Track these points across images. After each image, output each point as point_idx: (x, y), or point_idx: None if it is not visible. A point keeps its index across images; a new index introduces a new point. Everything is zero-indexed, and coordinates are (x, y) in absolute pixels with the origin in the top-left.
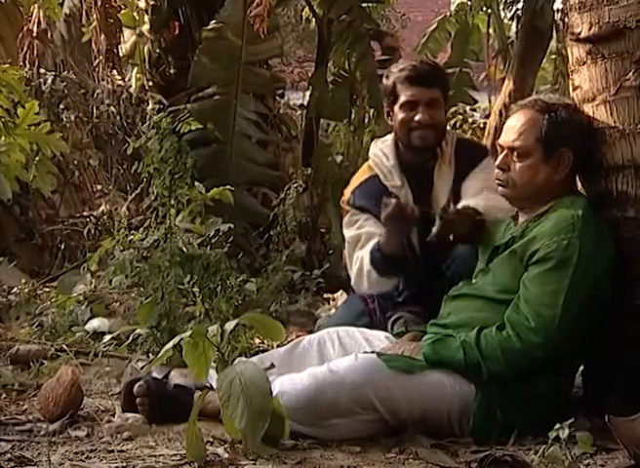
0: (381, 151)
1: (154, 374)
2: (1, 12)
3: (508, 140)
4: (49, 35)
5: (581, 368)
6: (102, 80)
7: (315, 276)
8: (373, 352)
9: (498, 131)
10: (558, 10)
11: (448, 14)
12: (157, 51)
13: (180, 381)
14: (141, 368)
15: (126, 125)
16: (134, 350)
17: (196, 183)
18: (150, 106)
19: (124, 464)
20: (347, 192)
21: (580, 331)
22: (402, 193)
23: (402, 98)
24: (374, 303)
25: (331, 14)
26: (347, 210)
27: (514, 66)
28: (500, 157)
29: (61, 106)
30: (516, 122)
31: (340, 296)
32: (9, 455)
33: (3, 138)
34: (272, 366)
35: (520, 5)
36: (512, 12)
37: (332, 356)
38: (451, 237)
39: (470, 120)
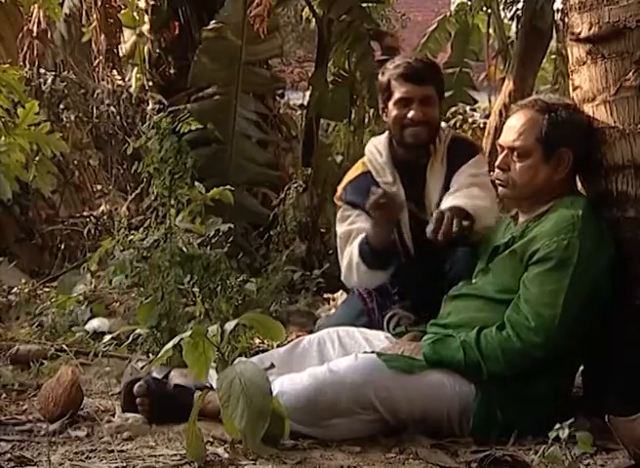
0: (375, 148)
1: (154, 374)
2: (1, 12)
3: (508, 140)
4: (49, 35)
5: (581, 368)
6: (102, 80)
7: (315, 276)
8: (373, 352)
9: (498, 131)
10: (558, 10)
11: (448, 14)
12: (157, 51)
13: (180, 381)
14: (141, 368)
15: (126, 125)
16: (134, 350)
17: (196, 183)
18: (150, 106)
19: (124, 464)
20: (340, 188)
21: (580, 331)
22: (393, 189)
23: (396, 95)
24: (372, 303)
25: (331, 14)
26: (339, 205)
27: (514, 66)
28: (500, 157)
29: (61, 106)
30: (516, 122)
31: (340, 296)
32: (9, 455)
33: (3, 138)
34: (272, 366)
35: (520, 5)
36: (512, 12)
37: (332, 356)
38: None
39: (470, 120)
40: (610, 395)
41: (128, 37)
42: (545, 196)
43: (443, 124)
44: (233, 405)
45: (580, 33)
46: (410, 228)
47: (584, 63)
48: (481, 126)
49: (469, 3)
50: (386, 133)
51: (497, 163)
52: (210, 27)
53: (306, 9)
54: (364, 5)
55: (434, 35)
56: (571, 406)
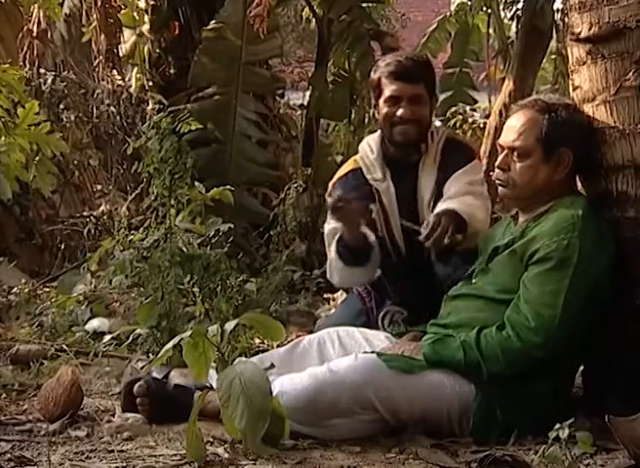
0: (368, 144)
1: (154, 374)
2: (1, 12)
3: (508, 140)
4: (49, 35)
5: (581, 368)
6: (102, 80)
7: (315, 276)
8: (373, 352)
9: (498, 131)
10: (558, 10)
11: (448, 14)
12: (157, 51)
13: (180, 381)
14: (141, 368)
15: (126, 125)
16: (134, 350)
17: (196, 183)
18: (150, 106)
19: (124, 464)
20: (330, 184)
21: (580, 331)
22: (383, 186)
23: (386, 93)
24: (371, 302)
25: (331, 14)
26: (329, 202)
27: (514, 66)
28: (500, 157)
29: (61, 106)
30: (516, 122)
31: (340, 296)
32: (9, 455)
33: (3, 138)
34: (272, 366)
35: (520, 5)
36: (512, 12)
37: (332, 356)
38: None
39: (470, 120)
40: (610, 395)
41: (128, 37)
42: (545, 196)
43: (437, 123)
44: (233, 405)
45: (580, 33)
46: (401, 227)
47: (584, 63)
48: (481, 126)
49: (469, 3)
50: (380, 130)
51: (497, 163)
52: (210, 27)
53: (306, 9)
54: (364, 5)
55: (434, 35)
56: (571, 406)
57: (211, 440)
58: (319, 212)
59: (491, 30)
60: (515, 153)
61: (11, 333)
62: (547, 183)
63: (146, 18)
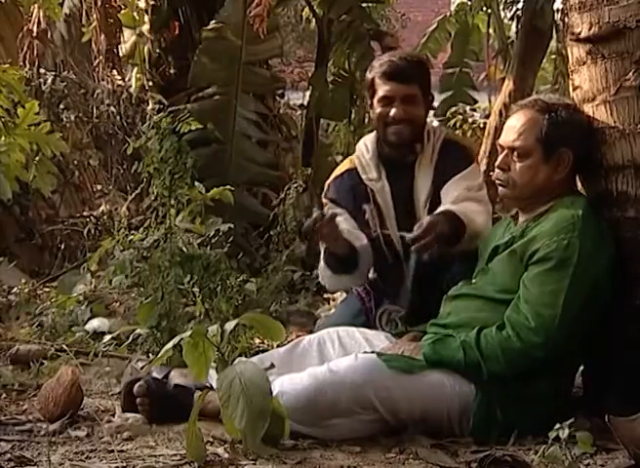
0: (364, 144)
1: (154, 374)
2: (1, 12)
3: (508, 140)
4: (49, 35)
5: (581, 368)
6: (102, 80)
7: (315, 276)
8: (373, 352)
9: (498, 131)
10: (558, 10)
11: (448, 14)
12: (157, 51)
13: (180, 381)
14: (141, 368)
15: (126, 125)
16: (134, 350)
17: (196, 183)
18: (150, 106)
19: (124, 464)
20: (326, 184)
21: (580, 331)
22: (378, 186)
23: (379, 93)
24: (370, 302)
25: (331, 14)
26: (325, 203)
27: (514, 66)
28: (500, 157)
29: (61, 106)
30: (516, 122)
31: (340, 296)
32: (9, 455)
33: (3, 138)
34: (272, 366)
35: (520, 5)
36: (512, 12)
37: (332, 356)
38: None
39: (470, 120)
40: (610, 395)
41: (128, 37)
42: (545, 196)
43: (435, 123)
44: (233, 405)
45: (580, 33)
46: (397, 229)
47: (584, 63)
48: (481, 126)
49: (469, 3)
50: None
51: (497, 163)
52: (210, 27)
53: (306, 9)
54: (364, 5)
55: (434, 35)
56: (571, 406)
57: (211, 440)
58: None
59: (491, 30)
60: (515, 153)
61: (11, 333)
62: (547, 183)
63: (146, 18)
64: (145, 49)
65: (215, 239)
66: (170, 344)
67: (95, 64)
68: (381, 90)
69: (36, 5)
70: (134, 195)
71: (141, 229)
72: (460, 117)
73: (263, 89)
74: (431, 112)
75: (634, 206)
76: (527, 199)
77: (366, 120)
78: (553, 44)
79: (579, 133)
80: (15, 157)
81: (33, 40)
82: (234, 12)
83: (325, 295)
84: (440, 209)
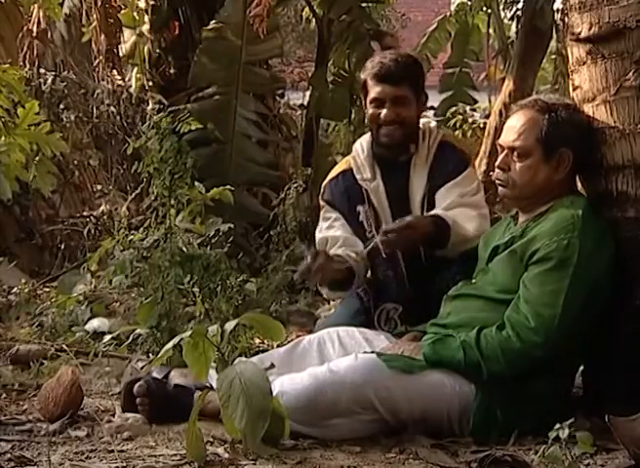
0: (360, 144)
1: (154, 374)
2: (1, 12)
3: (508, 140)
4: (49, 35)
5: (581, 368)
6: (102, 80)
7: None
8: (373, 352)
9: (498, 131)
10: (558, 10)
11: (448, 14)
12: (157, 51)
13: (180, 381)
14: (141, 368)
15: (126, 125)
16: (134, 350)
17: (196, 183)
18: (150, 106)
19: (124, 464)
20: (323, 185)
21: (579, 331)
22: (372, 186)
23: (370, 95)
24: (369, 302)
25: (331, 14)
26: (322, 205)
27: (514, 66)
28: (500, 157)
29: (61, 106)
30: (516, 122)
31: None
32: (9, 455)
33: (3, 138)
34: (272, 366)
35: (520, 5)
36: (512, 12)
37: (332, 356)
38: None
39: (470, 120)
40: (610, 395)
41: (128, 37)
42: (545, 196)
43: (433, 124)
44: (233, 405)
45: (580, 33)
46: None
47: (584, 63)
48: (481, 126)
49: (469, 3)
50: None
51: (497, 163)
52: (210, 27)
53: (306, 9)
54: (364, 5)
55: (434, 35)
56: (571, 406)
57: (211, 440)
58: (319, 212)
59: (491, 30)
60: (515, 153)
61: (11, 333)
62: (547, 183)
63: (146, 18)
64: (145, 49)
65: (215, 239)
66: (170, 344)
67: (95, 64)
68: (372, 91)
69: (36, 5)
70: (134, 195)
71: (141, 229)
72: (460, 117)
73: (263, 89)
74: (431, 112)
75: (634, 206)
76: (527, 199)
77: (366, 120)
78: (553, 44)
79: (578, 133)
80: (15, 157)
81: (33, 40)
82: (234, 12)
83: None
84: (430, 212)
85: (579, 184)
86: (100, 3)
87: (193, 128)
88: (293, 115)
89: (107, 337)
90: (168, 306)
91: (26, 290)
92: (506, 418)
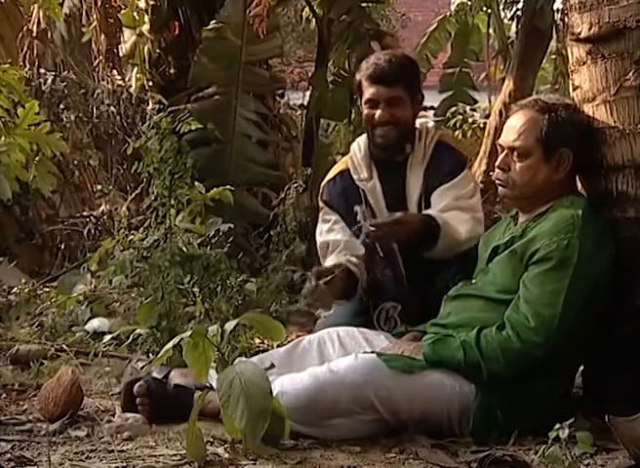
0: (357, 144)
1: (154, 374)
2: (1, 12)
3: (508, 140)
4: (49, 35)
5: (581, 368)
6: (102, 80)
7: None
8: (373, 352)
9: (498, 131)
10: (558, 10)
11: (448, 14)
12: (157, 51)
13: (180, 381)
14: (141, 368)
15: (126, 125)
16: (134, 350)
17: (196, 183)
18: (150, 106)
19: (124, 464)
20: (321, 186)
21: (580, 331)
22: (369, 186)
23: (365, 96)
24: (368, 301)
25: (331, 14)
26: (321, 207)
27: (514, 66)
28: (500, 157)
29: (61, 106)
30: (516, 122)
31: None
32: (9, 455)
33: (3, 138)
34: (272, 366)
35: (520, 5)
36: (512, 12)
37: (332, 356)
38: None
39: (470, 120)
40: (610, 395)
41: (128, 37)
42: (545, 196)
43: (430, 124)
44: (233, 405)
45: (580, 33)
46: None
47: (584, 63)
48: (481, 126)
49: (469, 3)
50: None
51: (497, 163)
52: (210, 27)
53: (306, 9)
54: (364, 5)
55: (434, 35)
56: (571, 406)
57: (211, 440)
58: (319, 212)
59: (491, 30)
60: (515, 153)
61: (11, 333)
62: (547, 183)
63: (146, 18)
64: (145, 49)
65: (215, 239)
66: (170, 344)
67: (95, 64)
68: (367, 92)
69: (36, 5)
70: (134, 195)
71: (141, 229)
72: (460, 117)
73: (263, 89)
74: (431, 112)
75: (634, 206)
76: (527, 199)
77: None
78: (553, 44)
79: (578, 133)
80: (15, 157)
81: (33, 40)
82: (234, 12)
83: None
84: (423, 212)
85: (579, 184)
86: (99, 3)
87: (193, 128)
88: (293, 115)
89: (107, 337)
90: (168, 306)
91: (26, 290)
92: (506, 418)
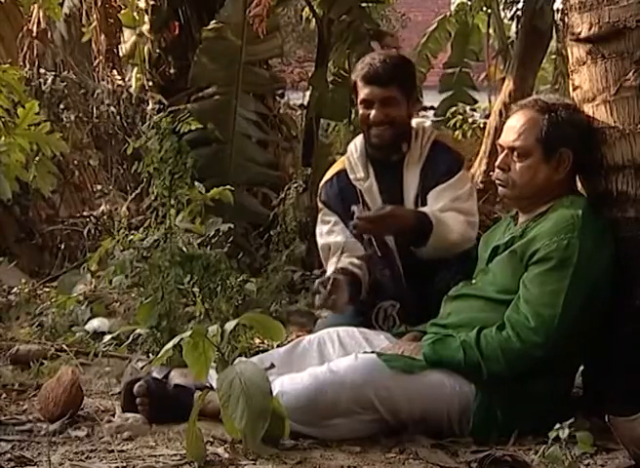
0: (354, 144)
1: (154, 374)
2: (1, 12)
3: (508, 140)
4: (49, 35)
5: (581, 368)
6: (102, 80)
7: (315, 276)
8: (373, 352)
9: (498, 131)
10: (558, 10)
11: (448, 14)
12: (157, 51)
13: (180, 381)
14: (141, 368)
15: (126, 125)
16: (134, 350)
17: (196, 183)
18: (150, 106)
19: (124, 464)
20: (320, 186)
21: (579, 331)
22: (365, 185)
23: (360, 96)
24: (368, 301)
25: (331, 14)
26: (320, 208)
27: (514, 66)
28: (500, 157)
29: (61, 106)
30: (516, 122)
31: None
32: (9, 455)
33: (3, 138)
34: (272, 366)
35: (520, 5)
36: (512, 12)
37: (332, 356)
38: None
39: (470, 120)
40: (610, 395)
41: (128, 37)
42: (545, 196)
43: (427, 123)
44: (233, 405)
45: (580, 33)
46: (395, 241)
47: (584, 63)
48: (481, 126)
49: (469, 3)
50: None
51: (497, 163)
52: (210, 27)
53: (306, 9)
54: (364, 5)
55: (434, 35)
56: (571, 406)
57: (211, 440)
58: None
59: (491, 30)
60: (515, 153)
61: (11, 333)
62: (547, 183)
63: (146, 18)
64: (145, 49)
65: (215, 239)
66: (170, 344)
67: (95, 64)
68: (362, 93)
69: (36, 5)
70: (134, 195)
71: (141, 229)
72: (460, 117)
73: (263, 89)
74: (431, 112)
75: (634, 206)
76: (527, 199)
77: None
78: (553, 44)
79: (578, 133)
80: (15, 157)
81: (33, 40)
82: (234, 12)
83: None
84: (418, 209)
85: (579, 184)
86: (99, 3)
87: (193, 128)
88: (293, 115)
89: (107, 337)
90: (168, 306)
91: (26, 290)
92: (506, 418)
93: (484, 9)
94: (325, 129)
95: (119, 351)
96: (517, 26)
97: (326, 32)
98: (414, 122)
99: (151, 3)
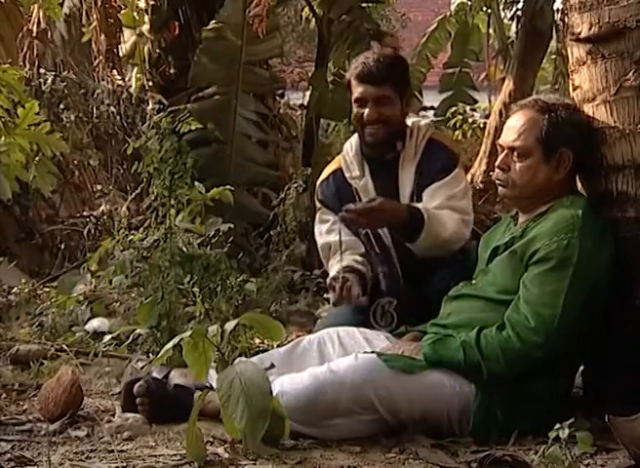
0: (350, 143)
1: (154, 374)
2: (1, 12)
3: (508, 140)
4: (49, 35)
5: (581, 368)
6: (102, 80)
7: (315, 276)
8: (373, 352)
9: (498, 131)
10: (558, 10)
11: (448, 14)
12: (157, 51)
13: (180, 381)
14: (141, 368)
15: (126, 125)
16: (134, 350)
17: (196, 183)
18: (150, 106)
19: (124, 464)
20: (317, 185)
21: (580, 331)
22: (361, 183)
23: (354, 95)
24: (367, 300)
25: (331, 14)
26: (319, 207)
27: (514, 66)
28: (500, 157)
29: (61, 106)
30: (516, 122)
31: None
32: (9, 455)
33: (3, 138)
34: (272, 366)
35: (520, 5)
36: (512, 12)
37: (332, 356)
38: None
39: (470, 120)
40: (610, 395)
41: (128, 37)
42: (545, 196)
43: (423, 122)
44: (233, 405)
45: (580, 33)
46: (392, 239)
47: (584, 63)
48: (481, 126)
49: (469, 3)
50: None
51: (497, 163)
52: (210, 27)
53: (306, 9)
54: (364, 5)
55: (434, 35)
56: (571, 406)
57: (211, 440)
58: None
59: (491, 30)
60: (515, 153)
61: (11, 333)
62: (547, 183)
63: (146, 18)
64: (145, 49)
65: (215, 239)
66: (170, 344)
67: (95, 64)
68: (355, 92)
69: (36, 5)
70: (134, 195)
71: (141, 229)
72: (460, 117)
73: (263, 89)
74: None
75: (634, 206)
76: (527, 199)
77: None
78: (553, 44)
79: (578, 133)
80: (15, 157)
81: (33, 40)
82: (234, 12)
83: (325, 295)
84: (412, 204)
85: (579, 184)
86: (100, 3)
87: (193, 128)
88: (293, 115)
89: (107, 337)
90: (168, 306)
91: (26, 290)
92: (506, 418)
93: (484, 9)
94: (325, 129)
95: (119, 351)
96: (517, 26)
97: (326, 32)
98: (409, 121)
99: (151, 3)
